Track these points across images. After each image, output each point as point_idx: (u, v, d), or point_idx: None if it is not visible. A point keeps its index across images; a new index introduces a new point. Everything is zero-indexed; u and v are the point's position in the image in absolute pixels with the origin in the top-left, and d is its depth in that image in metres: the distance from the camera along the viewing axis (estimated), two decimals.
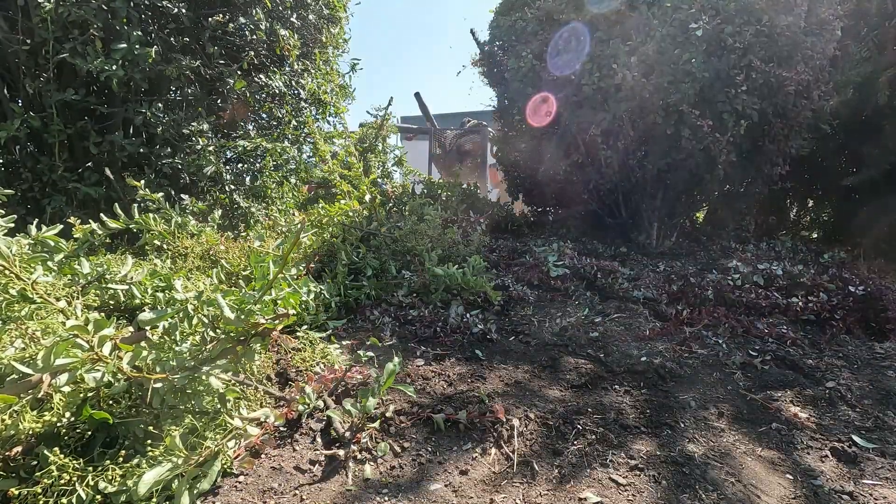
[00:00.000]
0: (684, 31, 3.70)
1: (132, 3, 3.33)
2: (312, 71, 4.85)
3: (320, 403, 1.75)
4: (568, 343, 2.49)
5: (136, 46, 3.20)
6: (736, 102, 3.67)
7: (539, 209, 6.11)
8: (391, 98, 6.82)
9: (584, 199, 4.85)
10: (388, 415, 1.71)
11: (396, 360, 1.72)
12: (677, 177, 4.06)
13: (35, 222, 2.14)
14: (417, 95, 9.59)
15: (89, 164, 3.46)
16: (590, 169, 4.36)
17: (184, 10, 3.56)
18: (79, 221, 2.42)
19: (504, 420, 1.70)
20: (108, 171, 3.19)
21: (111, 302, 2.15)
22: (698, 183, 4.13)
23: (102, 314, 1.95)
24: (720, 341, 2.55)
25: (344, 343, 2.35)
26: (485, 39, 5.59)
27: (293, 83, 4.63)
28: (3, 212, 1.94)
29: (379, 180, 5.80)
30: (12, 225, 1.91)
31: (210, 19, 3.78)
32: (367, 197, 4.16)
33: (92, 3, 3.10)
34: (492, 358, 2.30)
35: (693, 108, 3.70)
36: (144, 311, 1.54)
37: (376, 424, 1.65)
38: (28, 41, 3.18)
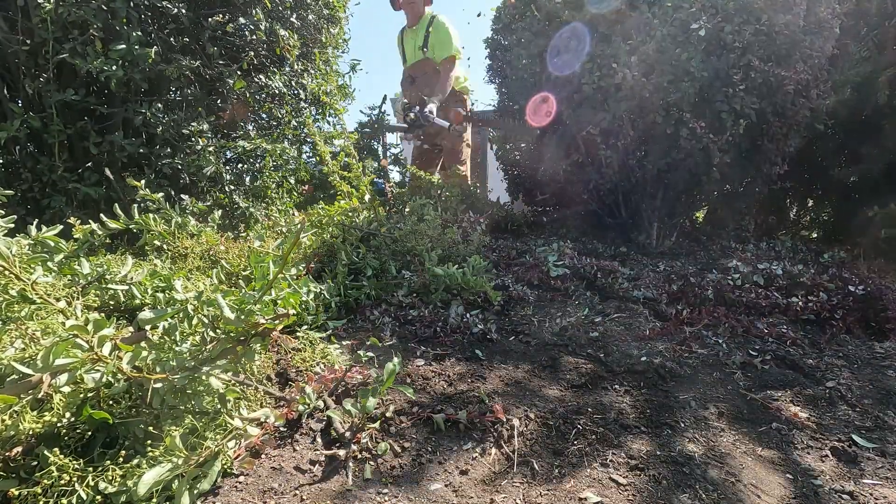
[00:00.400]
0: (685, 31, 3.70)
1: (132, 4, 3.33)
2: (312, 71, 4.85)
3: (320, 403, 1.75)
4: (568, 343, 2.49)
5: (136, 47, 3.20)
6: (734, 102, 3.67)
7: (539, 209, 6.11)
8: (385, 96, 6.83)
9: (585, 198, 4.85)
10: (388, 415, 1.71)
11: (396, 360, 1.72)
12: (677, 176, 4.06)
13: (35, 223, 2.14)
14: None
15: (89, 164, 3.46)
16: (590, 169, 4.36)
17: (183, 11, 3.56)
18: (79, 222, 2.42)
19: (504, 420, 1.70)
20: (108, 172, 3.19)
21: (111, 302, 2.15)
22: (698, 183, 4.13)
23: (102, 314, 1.95)
24: (720, 341, 2.55)
25: (344, 343, 2.35)
26: (488, 36, 5.59)
27: (293, 83, 4.63)
28: (2, 212, 1.94)
29: (378, 180, 5.79)
30: (12, 225, 1.91)
31: (210, 19, 3.78)
32: (367, 197, 4.16)
33: (92, 3, 3.09)
34: (492, 358, 2.30)
35: (691, 108, 3.70)
36: (144, 311, 1.54)
37: (376, 424, 1.65)
38: (28, 41, 3.17)
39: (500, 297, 2.94)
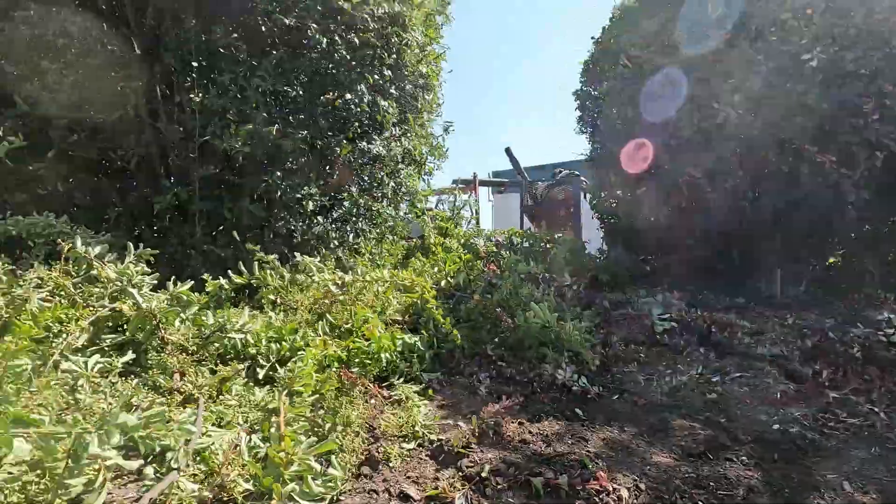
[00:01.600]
0: (796, 63, 3.44)
1: (259, 90, 3.88)
2: (409, 135, 5.20)
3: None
4: (680, 404, 2.25)
5: (260, 126, 3.69)
6: (867, 133, 3.27)
7: (640, 258, 5.78)
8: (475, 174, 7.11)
9: (689, 244, 4.51)
10: (483, 475, 1.64)
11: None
12: (799, 217, 3.64)
13: (172, 278, 2.47)
14: (508, 151, 9.84)
15: (221, 228, 3.95)
16: (694, 213, 4.08)
17: (300, 92, 4.06)
18: (210, 277, 2.76)
19: (611, 489, 1.55)
20: (235, 234, 3.62)
21: (231, 351, 2.37)
22: (827, 224, 3.66)
23: (221, 366, 2.16)
24: (876, 409, 2.14)
25: (438, 398, 2.34)
26: (577, 89, 5.64)
27: (391, 146, 4.99)
28: (150, 270, 2.28)
29: (474, 239, 5.88)
30: (156, 282, 2.23)
31: (322, 97, 4.26)
32: (461, 257, 4.23)
33: (230, 93, 3.65)
34: (594, 418, 2.13)
35: (812, 143, 3.35)
36: (258, 359, 1.66)
37: (471, 485, 1.58)
38: (181, 129, 3.81)
39: (597, 359, 2.75)
